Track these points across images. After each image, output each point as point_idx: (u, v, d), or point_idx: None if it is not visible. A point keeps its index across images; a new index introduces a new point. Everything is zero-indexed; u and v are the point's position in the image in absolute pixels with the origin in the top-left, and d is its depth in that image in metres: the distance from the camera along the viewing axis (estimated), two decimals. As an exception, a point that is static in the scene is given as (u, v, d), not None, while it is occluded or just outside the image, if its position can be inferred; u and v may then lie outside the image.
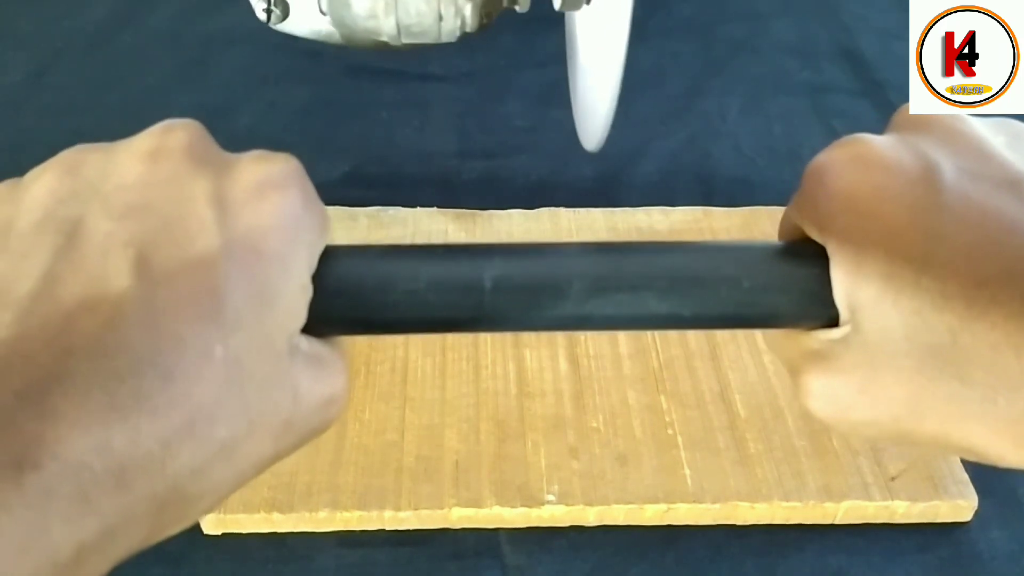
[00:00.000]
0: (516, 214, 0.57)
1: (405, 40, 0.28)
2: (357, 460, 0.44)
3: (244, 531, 0.42)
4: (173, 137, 0.23)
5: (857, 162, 0.24)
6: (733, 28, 0.81)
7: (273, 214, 0.22)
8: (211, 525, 0.42)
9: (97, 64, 0.74)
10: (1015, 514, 0.44)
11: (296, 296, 0.23)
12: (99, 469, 0.18)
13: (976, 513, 0.44)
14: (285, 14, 0.29)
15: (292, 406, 0.22)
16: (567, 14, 0.30)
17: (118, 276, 0.20)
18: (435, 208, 0.58)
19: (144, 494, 0.19)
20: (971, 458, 0.23)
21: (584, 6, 0.28)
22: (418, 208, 0.58)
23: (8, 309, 0.19)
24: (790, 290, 0.25)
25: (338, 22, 0.27)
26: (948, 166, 0.24)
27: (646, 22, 0.81)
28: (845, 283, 0.24)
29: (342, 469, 0.44)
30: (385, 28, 0.27)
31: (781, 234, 0.28)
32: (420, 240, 0.56)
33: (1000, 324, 0.21)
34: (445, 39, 0.28)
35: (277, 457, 0.23)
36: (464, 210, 0.58)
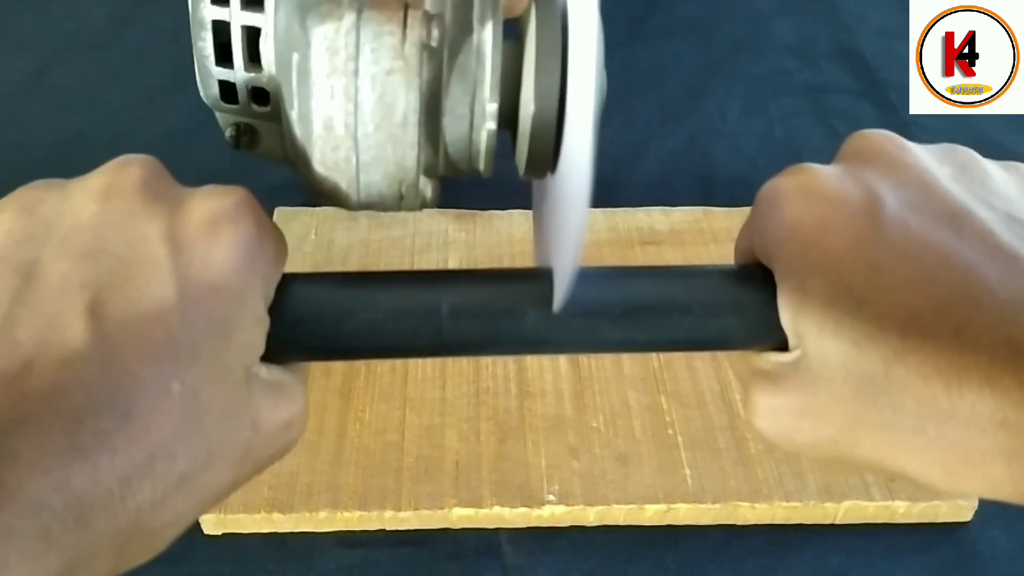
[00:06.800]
0: (516, 214, 0.57)
1: (366, 210, 0.28)
2: (357, 460, 0.44)
3: (244, 531, 0.42)
4: (126, 174, 0.23)
5: (803, 193, 0.25)
6: (733, 28, 0.81)
7: (226, 249, 0.23)
8: (211, 525, 0.42)
9: (97, 64, 0.74)
10: (1015, 514, 0.44)
11: (252, 328, 0.23)
12: (59, 508, 0.18)
13: (976, 513, 0.44)
14: (254, 143, 0.29)
15: (251, 434, 0.23)
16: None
17: (74, 318, 0.20)
18: (435, 208, 0.58)
19: (106, 530, 0.19)
20: (906, 482, 0.24)
21: (549, 175, 0.28)
22: (418, 208, 0.58)
23: None
24: (741, 315, 0.26)
25: (301, 177, 0.28)
26: (891, 199, 0.24)
27: (646, 22, 0.81)
28: (790, 310, 0.24)
29: (342, 469, 0.43)
30: (347, 204, 0.28)
31: (737, 254, 0.29)
32: (420, 240, 0.56)
33: (931, 358, 0.22)
34: (405, 211, 0.28)
35: (237, 484, 0.23)
36: (464, 210, 0.58)
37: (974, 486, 0.22)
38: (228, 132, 0.29)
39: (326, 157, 0.26)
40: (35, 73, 0.73)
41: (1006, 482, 0.22)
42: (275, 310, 0.24)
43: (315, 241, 0.56)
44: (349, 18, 0.25)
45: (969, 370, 0.21)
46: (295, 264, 0.26)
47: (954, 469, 0.22)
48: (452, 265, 0.54)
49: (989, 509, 0.44)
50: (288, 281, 0.26)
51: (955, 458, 0.22)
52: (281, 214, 0.57)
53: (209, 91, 0.28)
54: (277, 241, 0.25)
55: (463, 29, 0.26)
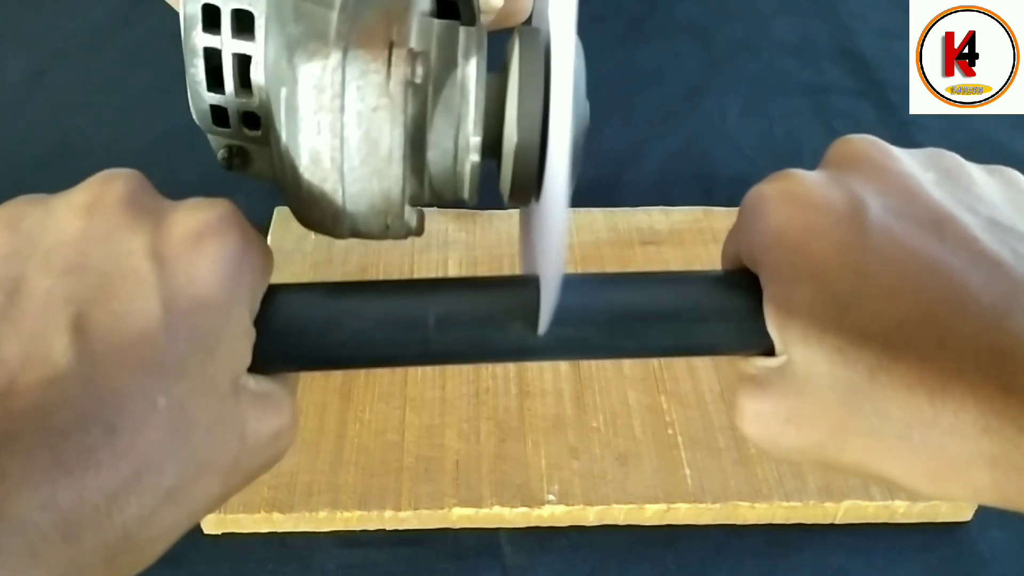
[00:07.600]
0: (516, 214, 0.57)
1: (353, 238, 0.29)
2: (357, 460, 0.44)
3: (244, 531, 0.42)
4: (110, 189, 0.23)
5: (789, 199, 0.25)
6: (733, 28, 0.81)
7: (211, 262, 0.22)
8: (211, 525, 0.42)
9: (97, 64, 0.74)
10: (1015, 514, 0.44)
11: (238, 340, 0.23)
12: (46, 525, 0.18)
13: (976, 513, 0.44)
14: (246, 164, 0.29)
15: (239, 445, 0.23)
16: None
17: (58, 334, 0.20)
18: (435, 208, 0.58)
19: (93, 545, 0.19)
20: (892, 488, 0.24)
21: (533, 203, 0.29)
22: (418, 208, 0.58)
23: None
24: (728, 320, 0.26)
25: (288, 203, 0.28)
26: (875, 205, 0.24)
27: (646, 22, 0.81)
28: (776, 317, 0.25)
29: (342, 469, 0.43)
30: (333, 233, 0.28)
31: (724, 260, 0.29)
32: (420, 240, 0.56)
33: (915, 367, 0.22)
34: (391, 239, 0.29)
35: (227, 495, 0.23)
36: (464, 210, 0.58)
37: (959, 491, 0.23)
38: (220, 154, 0.29)
39: (313, 188, 0.26)
40: (34, 73, 0.73)
41: (989, 487, 0.22)
42: (261, 321, 0.25)
43: (315, 241, 0.55)
44: (335, 56, 0.25)
45: (952, 379, 0.21)
46: (295, 263, 0.26)
47: (939, 475, 0.22)
48: (452, 264, 0.55)
49: (989, 509, 0.43)
50: (274, 292, 0.26)
51: (940, 464, 0.22)
52: (281, 214, 0.57)
53: (201, 115, 0.28)
54: (263, 252, 0.25)
55: (447, 64, 0.27)
